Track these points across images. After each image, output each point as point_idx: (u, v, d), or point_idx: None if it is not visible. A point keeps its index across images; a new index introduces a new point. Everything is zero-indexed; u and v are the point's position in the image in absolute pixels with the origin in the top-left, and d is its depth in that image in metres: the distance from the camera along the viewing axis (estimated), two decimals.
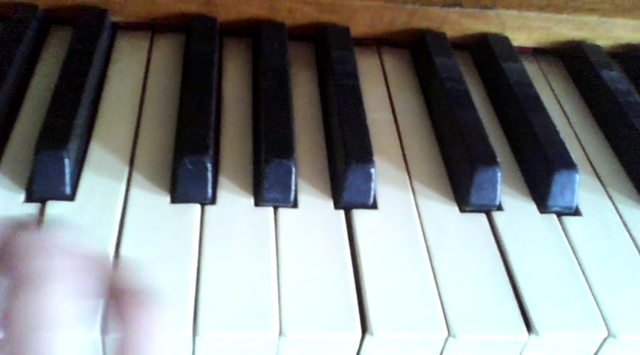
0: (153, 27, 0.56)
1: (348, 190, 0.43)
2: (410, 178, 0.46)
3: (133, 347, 0.24)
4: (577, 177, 0.45)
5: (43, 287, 0.23)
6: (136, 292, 0.25)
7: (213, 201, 0.42)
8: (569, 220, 0.45)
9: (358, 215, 0.43)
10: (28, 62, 0.50)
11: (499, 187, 0.44)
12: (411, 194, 0.45)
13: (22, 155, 0.43)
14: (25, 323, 0.22)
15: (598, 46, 0.61)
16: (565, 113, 0.56)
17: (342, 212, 0.43)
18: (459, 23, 0.58)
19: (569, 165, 0.46)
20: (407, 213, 0.43)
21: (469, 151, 0.45)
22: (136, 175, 0.43)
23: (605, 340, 0.38)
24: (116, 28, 0.55)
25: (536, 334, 0.37)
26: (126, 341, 0.24)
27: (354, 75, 0.51)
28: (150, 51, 0.54)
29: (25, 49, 0.50)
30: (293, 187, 0.42)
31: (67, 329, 0.23)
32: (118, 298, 0.25)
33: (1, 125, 0.44)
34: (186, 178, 0.41)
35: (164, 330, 0.24)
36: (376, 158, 0.45)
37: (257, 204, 0.42)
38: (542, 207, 0.45)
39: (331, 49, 0.54)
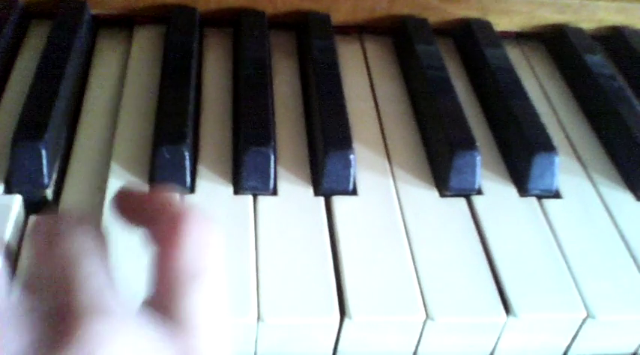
0: (133, 19, 0.55)
1: (328, 177, 0.43)
2: (390, 164, 0.46)
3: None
4: (556, 159, 0.45)
5: (82, 265, 0.23)
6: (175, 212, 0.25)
7: (192, 189, 0.42)
8: (549, 203, 0.45)
9: (338, 201, 0.43)
10: (8, 56, 0.50)
11: (478, 171, 0.44)
12: (391, 180, 0.45)
13: (3, 149, 0.43)
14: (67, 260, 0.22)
15: (581, 30, 0.60)
16: (548, 97, 0.56)
17: (321, 199, 0.43)
18: (441, 9, 0.58)
19: (549, 147, 0.46)
20: (387, 199, 0.43)
21: (448, 136, 0.45)
22: (114, 166, 0.43)
23: (584, 321, 0.39)
24: (96, 20, 0.55)
25: (515, 315, 0.38)
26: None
27: (334, 63, 0.51)
28: (130, 43, 0.54)
29: (5, 43, 0.50)
30: (272, 175, 0.43)
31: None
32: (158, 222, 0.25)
33: None
34: (164, 167, 0.41)
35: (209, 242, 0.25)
36: (356, 145, 0.45)
37: (236, 192, 0.42)
38: (522, 190, 0.45)
39: (312, 37, 0.53)
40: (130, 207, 0.27)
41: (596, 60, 0.57)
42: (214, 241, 0.25)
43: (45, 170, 0.40)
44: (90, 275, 0.22)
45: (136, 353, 0.21)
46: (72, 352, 0.20)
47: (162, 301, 0.23)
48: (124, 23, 0.55)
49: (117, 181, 0.41)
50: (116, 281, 0.23)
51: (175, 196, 0.27)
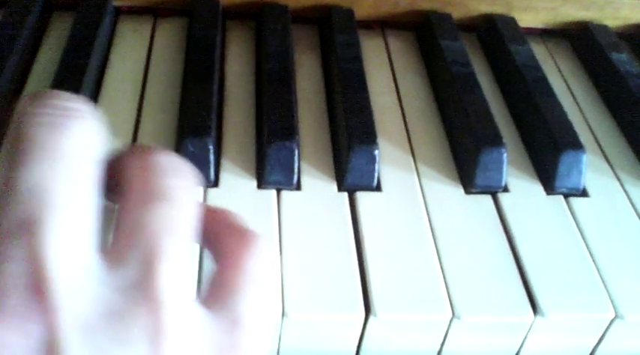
0: (155, 11, 0.55)
1: (352, 172, 0.43)
2: (415, 160, 0.46)
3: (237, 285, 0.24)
4: (584, 157, 0.45)
5: (177, 202, 0.24)
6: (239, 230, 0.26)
7: (215, 183, 0.42)
8: (576, 201, 0.44)
9: (362, 197, 0.42)
10: (30, 47, 0.50)
11: (505, 168, 0.44)
12: (416, 176, 0.45)
13: None
14: (158, 232, 0.22)
15: (606, 27, 0.60)
16: (573, 95, 0.55)
17: (345, 194, 0.42)
18: (465, 4, 0.57)
19: (576, 145, 0.45)
20: (411, 195, 0.43)
21: (474, 132, 0.45)
22: None
23: (612, 321, 0.38)
24: (118, 12, 0.55)
25: (542, 315, 0.37)
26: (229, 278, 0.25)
27: (358, 58, 0.51)
28: (152, 35, 0.54)
29: (28, 34, 0.50)
30: (296, 169, 0.42)
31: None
32: (218, 236, 0.26)
33: (3, 109, 0.44)
34: (188, 160, 0.41)
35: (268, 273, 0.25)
36: (380, 140, 0.44)
37: (260, 186, 0.42)
38: (549, 188, 0.45)
39: (335, 32, 0.53)
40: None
41: (622, 58, 0.56)
42: (272, 254, 0.27)
43: None
44: None
45: (189, 342, 0.21)
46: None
47: (221, 297, 0.24)
48: (147, 15, 0.55)
49: None
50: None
51: (236, 217, 0.27)
